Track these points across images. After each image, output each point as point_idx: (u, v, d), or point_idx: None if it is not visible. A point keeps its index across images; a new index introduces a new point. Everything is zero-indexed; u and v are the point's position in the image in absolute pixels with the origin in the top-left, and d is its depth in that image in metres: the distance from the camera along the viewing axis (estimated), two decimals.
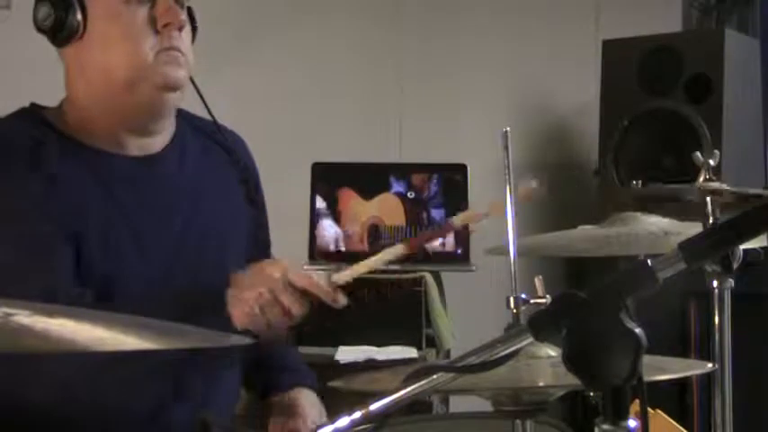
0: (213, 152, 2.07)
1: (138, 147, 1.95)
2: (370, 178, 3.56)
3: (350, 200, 3.52)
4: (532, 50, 4.37)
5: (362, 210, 3.53)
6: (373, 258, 1.77)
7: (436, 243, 3.51)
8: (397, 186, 3.55)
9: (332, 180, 3.56)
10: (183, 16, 1.89)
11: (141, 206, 1.92)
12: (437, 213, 3.53)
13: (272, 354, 2.12)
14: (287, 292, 1.75)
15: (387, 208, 3.55)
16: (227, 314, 1.74)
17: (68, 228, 1.83)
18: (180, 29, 1.88)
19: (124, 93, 1.88)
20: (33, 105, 1.97)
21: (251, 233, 2.08)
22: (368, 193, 3.54)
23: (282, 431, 2.00)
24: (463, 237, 3.55)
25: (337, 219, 3.52)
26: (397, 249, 1.75)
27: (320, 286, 1.76)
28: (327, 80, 4.07)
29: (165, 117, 1.97)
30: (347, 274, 1.77)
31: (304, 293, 1.76)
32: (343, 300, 1.78)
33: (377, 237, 3.53)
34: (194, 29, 2.00)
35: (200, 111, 2.05)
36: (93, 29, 1.88)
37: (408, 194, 3.53)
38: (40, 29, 1.90)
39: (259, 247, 2.10)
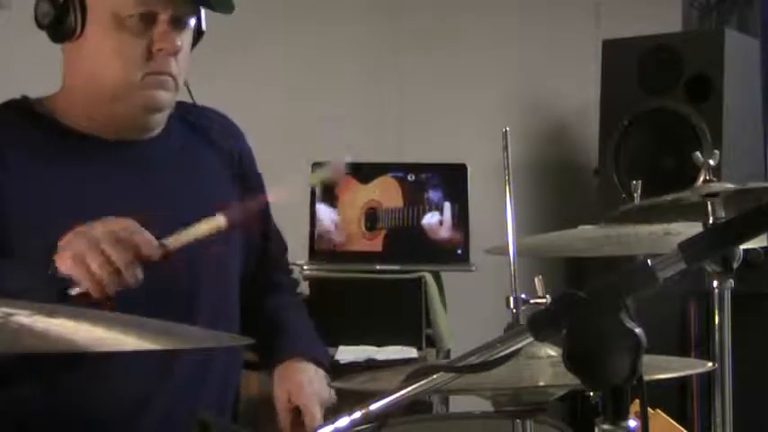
0: (201, 140, 2.07)
1: (126, 135, 1.96)
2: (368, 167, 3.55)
3: (347, 185, 3.52)
4: (532, 50, 4.37)
5: (360, 194, 3.52)
6: (197, 226, 1.72)
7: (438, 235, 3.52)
8: (396, 171, 3.55)
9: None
10: (180, 42, 1.88)
11: (123, 189, 1.93)
12: (435, 195, 3.53)
13: (282, 316, 2.12)
14: (113, 246, 1.65)
15: (385, 190, 3.54)
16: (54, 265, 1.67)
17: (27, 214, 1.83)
18: (174, 54, 1.88)
19: (109, 103, 1.90)
20: (24, 97, 1.98)
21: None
22: (366, 177, 3.54)
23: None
24: (463, 237, 3.55)
25: (334, 204, 3.52)
26: (218, 220, 1.73)
27: (148, 245, 1.67)
28: (327, 80, 4.07)
29: (150, 129, 1.98)
30: (177, 239, 1.71)
31: (135, 255, 1.67)
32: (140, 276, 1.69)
33: (374, 221, 3.52)
34: (200, 34, 1.99)
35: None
36: (90, 35, 1.88)
37: (408, 177, 3.53)
38: (39, 24, 1.90)
39: (265, 227, 2.13)
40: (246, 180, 2.11)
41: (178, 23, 1.88)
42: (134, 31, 1.86)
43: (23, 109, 1.96)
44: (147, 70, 1.86)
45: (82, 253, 1.65)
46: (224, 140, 2.09)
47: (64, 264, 1.66)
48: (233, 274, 2.05)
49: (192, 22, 1.93)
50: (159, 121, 1.97)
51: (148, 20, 1.86)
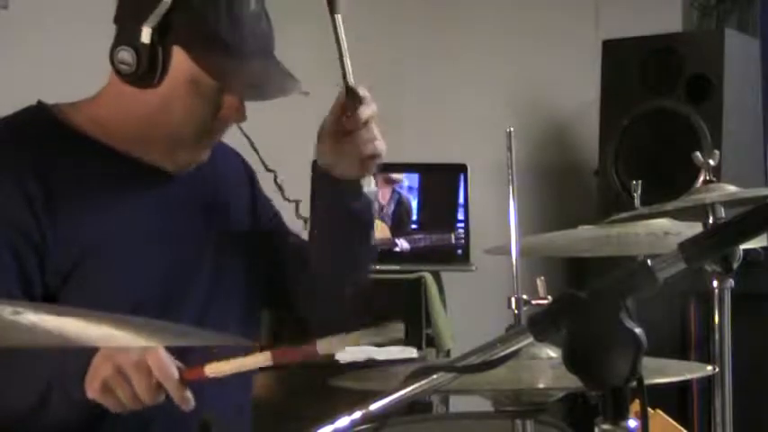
0: (220, 168, 2.05)
1: (153, 161, 1.92)
2: None
3: None
4: (532, 50, 4.37)
5: None
6: (234, 362, 1.70)
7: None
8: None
9: None
10: (244, 109, 1.87)
11: (149, 207, 1.90)
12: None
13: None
14: (139, 375, 1.67)
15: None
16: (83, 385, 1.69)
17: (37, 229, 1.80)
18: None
19: (156, 144, 1.87)
20: (40, 103, 1.93)
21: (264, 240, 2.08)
22: None
23: None
24: (463, 237, 3.56)
25: None
26: (263, 358, 1.70)
27: (172, 380, 1.68)
28: (327, 79, 4.06)
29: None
30: (201, 371, 1.70)
31: (159, 383, 1.68)
32: (190, 402, 1.69)
33: None
34: None
35: None
36: (164, 88, 1.83)
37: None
38: (117, 71, 1.83)
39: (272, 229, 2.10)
40: (258, 210, 2.10)
41: None
42: (207, 98, 1.83)
43: (44, 119, 1.90)
44: (209, 133, 1.87)
45: (109, 382, 1.68)
46: (236, 168, 2.08)
47: (92, 390, 1.69)
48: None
49: None
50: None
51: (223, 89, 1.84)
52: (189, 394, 1.69)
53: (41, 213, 1.80)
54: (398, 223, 3.59)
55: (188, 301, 1.89)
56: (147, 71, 1.81)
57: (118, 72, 1.83)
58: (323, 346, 1.68)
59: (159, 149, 1.89)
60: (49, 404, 1.72)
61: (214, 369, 1.70)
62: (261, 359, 1.70)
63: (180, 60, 1.82)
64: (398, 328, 1.69)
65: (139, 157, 1.89)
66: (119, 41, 1.83)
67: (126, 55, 1.81)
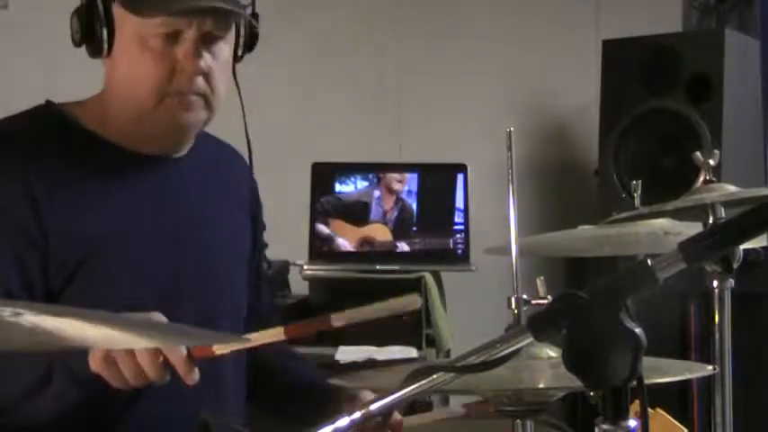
0: (218, 170, 2.05)
1: (156, 151, 1.92)
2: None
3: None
4: (532, 50, 4.37)
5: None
6: (247, 336, 1.69)
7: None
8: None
9: (331, 182, 3.58)
10: (204, 62, 1.81)
11: (152, 205, 1.90)
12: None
13: (301, 379, 2.10)
14: (144, 351, 1.64)
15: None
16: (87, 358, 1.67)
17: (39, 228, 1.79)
18: (198, 74, 1.82)
19: (138, 121, 1.86)
20: (49, 102, 1.93)
21: (252, 250, 2.09)
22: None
23: None
24: (463, 237, 3.56)
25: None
26: (275, 333, 1.68)
27: (177, 354, 1.65)
28: (328, 80, 4.07)
29: (180, 147, 1.94)
30: (209, 348, 1.67)
31: (165, 358, 1.65)
32: (195, 376, 1.66)
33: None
34: (254, 36, 1.96)
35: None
36: (119, 54, 1.82)
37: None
38: (74, 42, 1.86)
39: (256, 262, 2.10)
40: (255, 214, 2.10)
41: (208, 40, 1.83)
42: (158, 51, 1.80)
43: (52, 117, 1.90)
44: (169, 91, 1.81)
45: (114, 355, 1.64)
46: (238, 173, 2.07)
47: (95, 360, 1.66)
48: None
49: (228, 36, 1.88)
50: (189, 138, 1.93)
51: (173, 39, 1.80)
52: (195, 369, 1.67)
53: (45, 212, 1.80)
54: (400, 228, 3.58)
55: (188, 296, 1.89)
56: (91, 33, 1.81)
57: (75, 43, 1.84)
58: (337, 318, 1.67)
59: (149, 134, 1.88)
60: (51, 383, 1.70)
61: (222, 347, 1.69)
62: (272, 334, 1.68)
63: (124, 23, 1.81)
64: (414, 300, 1.68)
65: (139, 150, 1.89)
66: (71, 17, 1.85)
67: (74, 23, 1.84)
